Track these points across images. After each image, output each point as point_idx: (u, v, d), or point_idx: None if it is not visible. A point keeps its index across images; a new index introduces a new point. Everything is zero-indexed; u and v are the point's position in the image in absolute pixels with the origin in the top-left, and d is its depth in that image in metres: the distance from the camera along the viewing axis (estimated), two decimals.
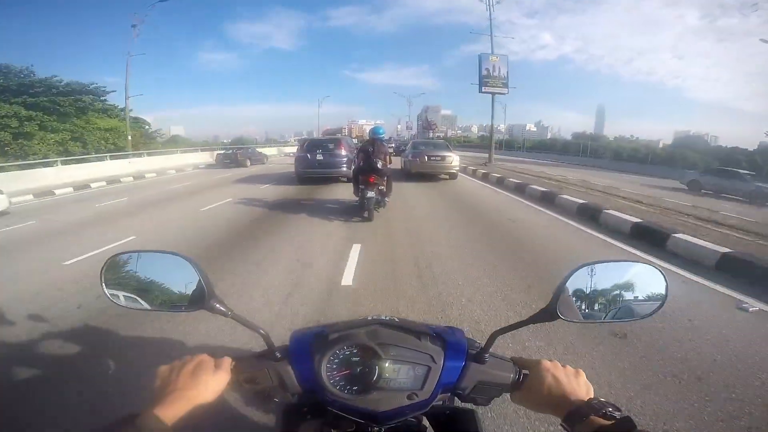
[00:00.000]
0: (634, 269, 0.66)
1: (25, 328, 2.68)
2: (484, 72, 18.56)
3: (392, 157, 7.21)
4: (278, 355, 0.62)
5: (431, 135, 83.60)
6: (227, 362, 0.61)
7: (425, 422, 0.67)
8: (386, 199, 6.37)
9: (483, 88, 18.64)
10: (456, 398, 0.68)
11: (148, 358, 2.26)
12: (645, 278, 0.65)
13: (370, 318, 0.69)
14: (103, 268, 0.63)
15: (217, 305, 0.61)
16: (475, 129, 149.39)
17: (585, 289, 0.62)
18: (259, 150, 24.07)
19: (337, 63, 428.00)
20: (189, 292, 0.62)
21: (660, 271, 0.65)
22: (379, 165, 5.86)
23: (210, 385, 0.57)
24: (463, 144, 61.36)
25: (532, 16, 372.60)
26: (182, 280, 0.62)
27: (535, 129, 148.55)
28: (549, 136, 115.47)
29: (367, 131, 6.82)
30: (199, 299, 0.61)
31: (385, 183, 6.10)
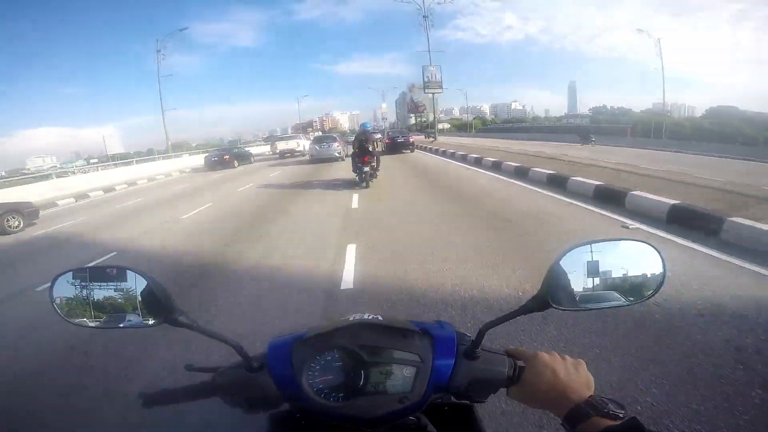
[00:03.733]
0: (628, 247, 0.64)
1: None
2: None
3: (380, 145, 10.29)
4: (255, 365, 0.63)
5: (415, 120, 76.19)
6: None
7: (424, 419, 0.66)
8: (376, 172, 9.46)
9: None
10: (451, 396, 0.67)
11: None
12: (640, 256, 0.63)
13: (351, 318, 0.69)
14: (51, 286, 0.63)
15: (180, 318, 0.60)
16: (456, 111, 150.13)
17: (577, 274, 0.60)
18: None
19: (307, 57, 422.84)
20: (147, 306, 0.61)
21: (655, 248, 0.63)
22: (370, 148, 9.03)
23: None
24: (490, 128, 54.03)
25: None
26: (138, 294, 0.62)
27: (521, 107, 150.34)
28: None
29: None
30: (160, 313, 0.60)
31: (375, 161, 9.25)
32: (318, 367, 0.60)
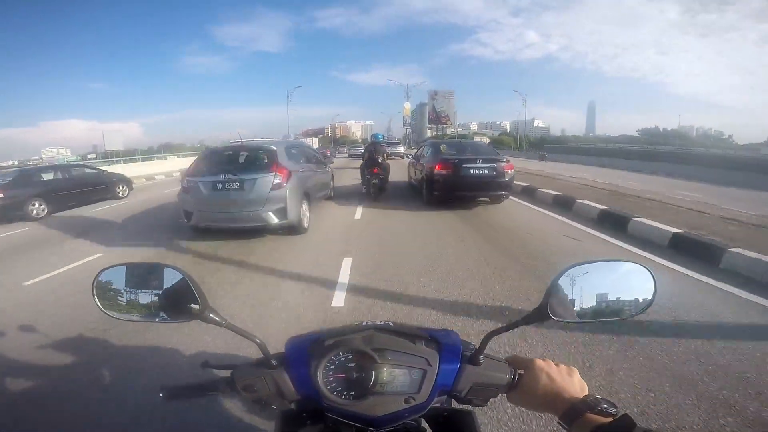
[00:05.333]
0: (624, 268, 0.70)
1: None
2: None
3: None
4: (274, 362, 0.66)
5: (434, 133, 65.80)
6: None
7: (424, 424, 0.70)
8: (386, 185, 9.42)
9: None
10: (453, 400, 0.71)
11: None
12: (634, 277, 0.69)
13: (365, 323, 0.73)
14: (94, 281, 0.67)
15: (211, 315, 0.65)
16: (474, 126, 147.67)
17: (576, 289, 0.65)
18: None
19: (326, 64, 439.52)
20: (182, 302, 0.64)
21: (648, 270, 0.68)
22: (380, 160, 9.12)
23: None
24: (580, 149, 39.37)
25: (517, 15, 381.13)
26: (174, 290, 0.65)
27: (543, 125, 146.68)
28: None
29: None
30: (193, 309, 0.64)
31: (384, 173, 9.27)
32: (332, 367, 0.64)
